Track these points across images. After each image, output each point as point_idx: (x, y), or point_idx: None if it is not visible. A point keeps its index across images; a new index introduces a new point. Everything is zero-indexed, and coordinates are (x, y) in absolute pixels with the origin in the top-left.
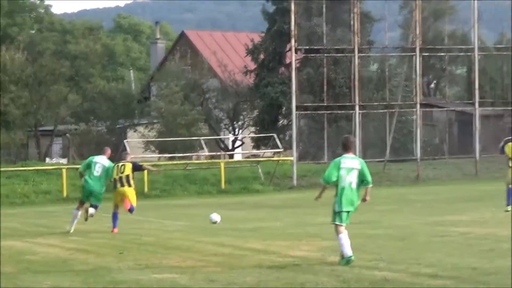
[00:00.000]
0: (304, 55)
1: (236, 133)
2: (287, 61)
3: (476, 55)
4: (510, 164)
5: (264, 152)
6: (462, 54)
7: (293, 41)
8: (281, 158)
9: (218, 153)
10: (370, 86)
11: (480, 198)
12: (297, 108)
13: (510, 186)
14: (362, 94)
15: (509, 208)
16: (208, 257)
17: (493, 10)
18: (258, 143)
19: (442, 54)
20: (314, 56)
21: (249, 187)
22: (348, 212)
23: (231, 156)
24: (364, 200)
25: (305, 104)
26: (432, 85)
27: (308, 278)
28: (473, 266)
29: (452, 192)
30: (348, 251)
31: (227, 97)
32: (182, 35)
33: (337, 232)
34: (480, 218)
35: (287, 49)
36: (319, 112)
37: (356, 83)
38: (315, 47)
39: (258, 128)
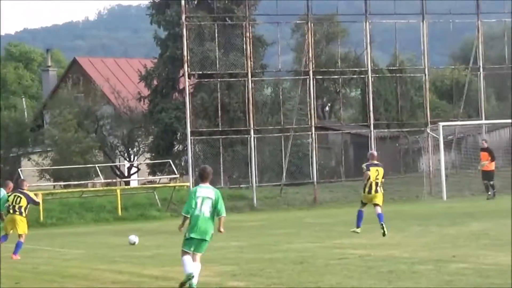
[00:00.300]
0: (197, 80)
1: (132, 159)
2: (181, 86)
3: (370, 77)
4: (374, 188)
5: (160, 178)
6: (355, 76)
7: (186, 66)
8: (178, 184)
9: (114, 180)
10: (264, 110)
11: (377, 220)
12: (192, 133)
13: (362, 209)
14: (257, 118)
15: (358, 230)
16: (106, 285)
17: (385, 32)
18: (154, 169)
19: (336, 76)
20: (207, 81)
21: (146, 214)
22: (200, 240)
23: (127, 183)
24: (219, 231)
25: (200, 129)
26: (327, 108)
27: None
28: None
29: (349, 215)
30: (190, 269)
31: (121, 124)
32: (74, 62)
33: (182, 254)
34: (378, 240)
35: (180, 74)
36: (214, 137)
37: (251, 107)
38: (208, 72)
39: (153, 154)
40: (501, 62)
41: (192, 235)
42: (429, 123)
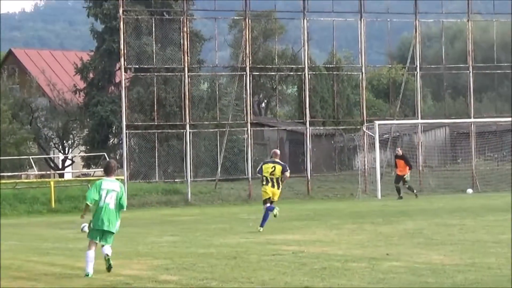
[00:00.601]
0: (134, 74)
1: (66, 152)
2: (117, 80)
3: (307, 75)
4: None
5: (95, 171)
6: (292, 73)
7: (122, 60)
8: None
9: (48, 172)
10: (200, 105)
11: (312, 217)
12: (128, 127)
13: (268, 205)
14: (193, 113)
15: (261, 229)
16: (39, 277)
17: (323, 30)
18: (88, 162)
19: (273, 73)
20: (144, 75)
21: (80, 206)
22: (106, 231)
23: (61, 175)
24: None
25: (135, 123)
26: (263, 105)
27: None
28: (306, 285)
29: (284, 211)
30: (89, 269)
31: (56, 116)
32: (10, 54)
33: (88, 248)
34: (312, 237)
35: (117, 68)
36: (149, 131)
37: (187, 102)
38: (145, 66)
39: (88, 147)
40: (438, 62)
41: (97, 226)
42: (365, 121)
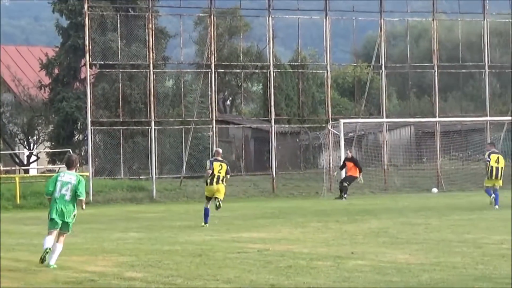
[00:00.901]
0: (99, 70)
1: (31, 148)
2: (82, 76)
3: (272, 72)
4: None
5: (60, 167)
6: (257, 71)
7: (87, 56)
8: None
9: (13, 168)
10: (166, 102)
11: (277, 215)
12: (93, 123)
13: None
14: (158, 110)
15: (206, 225)
16: (4, 273)
17: (288, 28)
18: (53, 158)
19: (238, 70)
20: (109, 71)
21: (45, 203)
22: (60, 221)
23: (27, 171)
24: (82, 208)
25: (100, 120)
26: (228, 102)
27: None
28: (271, 283)
29: (249, 209)
30: (47, 244)
31: (21, 112)
32: None
33: (47, 234)
34: (277, 235)
35: (82, 64)
36: (115, 127)
37: (152, 98)
38: (110, 63)
39: (53, 143)
40: (403, 61)
41: (53, 216)
42: (330, 119)
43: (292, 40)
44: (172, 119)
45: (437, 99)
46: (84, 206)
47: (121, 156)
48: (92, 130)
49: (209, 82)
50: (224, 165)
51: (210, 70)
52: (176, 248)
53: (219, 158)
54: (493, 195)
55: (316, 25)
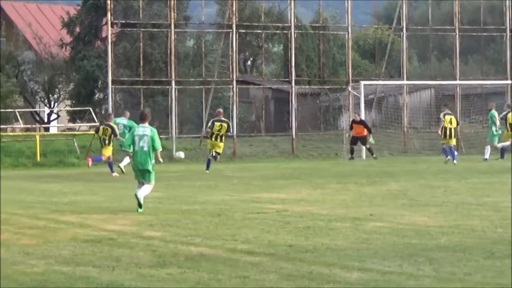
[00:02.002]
0: (120, 29)
1: (52, 106)
2: (104, 34)
3: (293, 33)
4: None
5: (80, 126)
6: (278, 31)
7: (109, 14)
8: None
9: (34, 126)
10: (186, 62)
11: (296, 176)
12: (113, 82)
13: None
14: (179, 70)
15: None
16: (23, 230)
17: None
18: (74, 116)
19: (259, 31)
20: (130, 31)
21: (65, 161)
22: (142, 170)
23: (47, 129)
24: (158, 161)
25: (121, 79)
26: (249, 63)
27: (124, 252)
28: (289, 243)
29: (268, 170)
30: (140, 195)
31: (42, 70)
32: None
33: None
34: (296, 196)
35: (103, 22)
36: (135, 86)
37: (173, 58)
38: (132, 22)
39: (73, 101)
40: (424, 23)
41: (134, 167)
42: (350, 81)
43: (314, 1)
44: (192, 79)
45: (458, 62)
46: (161, 159)
47: None
48: (113, 89)
49: (230, 42)
50: (225, 124)
51: (231, 30)
52: (195, 208)
53: (222, 118)
54: (449, 157)
55: None
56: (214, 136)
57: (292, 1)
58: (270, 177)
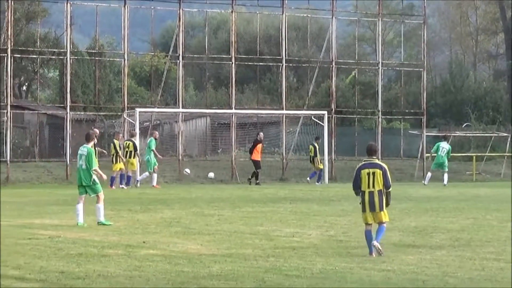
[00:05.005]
0: None
1: None
2: None
3: (69, 59)
4: None
5: None
6: (54, 57)
7: None
8: None
9: None
10: None
11: (70, 202)
12: None
13: None
14: None
15: None
16: None
17: (86, 15)
18: None
19: (34, 56)
20: None
21: None
22: (84, 185)
23: None
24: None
25: None
26: (24, 88)
27: None
28: (61, 270)
29: (41, 196)
30: (79, 219)
31: None
32: None
33: (77, 202)
34: (69, 222)
35: None
36: None
37: None
38: None
39: None
40: (201, 52)
41: (78, 183)
42: (126, 108)
43: (90, 27)
44: None
45: (234, 91)
46: (103, 175)
47: None
48: None
49: (5, 66)
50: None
51: (6, 54)
52: None
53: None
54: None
55: (114, 12)
56: None
57: (69, 27)
58: (44, 203)
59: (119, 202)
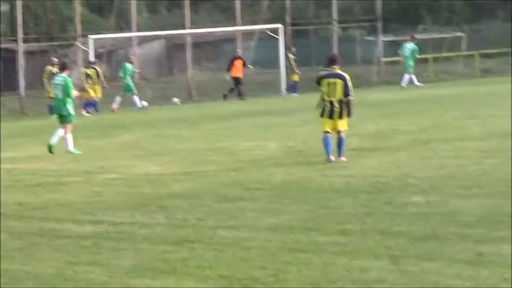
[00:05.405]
0: None
1: None
2: None
3: None
4: None
5: None
6: None
7: None
8: None
9: None
10: None
11: (25, 134)
12: None
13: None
14: None
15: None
16: None
17: None
18: None
19: None
20: None
21: None
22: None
23: None
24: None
25: None
26: None
27: None
28: (19, 202)
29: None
30: (54, 139)
31: None
32: None
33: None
34: (25, 153)
35: None
36: None
37: None
38: None
39: None
40: None
41: (55, 113)
42: (79, 36)
43: None
44: None
45: (188, 11)
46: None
47: None
48: None
49: None
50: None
51: None
52: None
53: None
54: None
55: None
56: None
57: None
58: None
59: (75, 129)
